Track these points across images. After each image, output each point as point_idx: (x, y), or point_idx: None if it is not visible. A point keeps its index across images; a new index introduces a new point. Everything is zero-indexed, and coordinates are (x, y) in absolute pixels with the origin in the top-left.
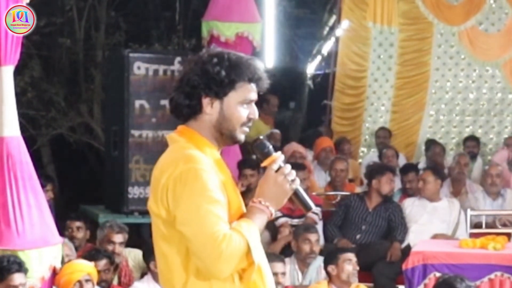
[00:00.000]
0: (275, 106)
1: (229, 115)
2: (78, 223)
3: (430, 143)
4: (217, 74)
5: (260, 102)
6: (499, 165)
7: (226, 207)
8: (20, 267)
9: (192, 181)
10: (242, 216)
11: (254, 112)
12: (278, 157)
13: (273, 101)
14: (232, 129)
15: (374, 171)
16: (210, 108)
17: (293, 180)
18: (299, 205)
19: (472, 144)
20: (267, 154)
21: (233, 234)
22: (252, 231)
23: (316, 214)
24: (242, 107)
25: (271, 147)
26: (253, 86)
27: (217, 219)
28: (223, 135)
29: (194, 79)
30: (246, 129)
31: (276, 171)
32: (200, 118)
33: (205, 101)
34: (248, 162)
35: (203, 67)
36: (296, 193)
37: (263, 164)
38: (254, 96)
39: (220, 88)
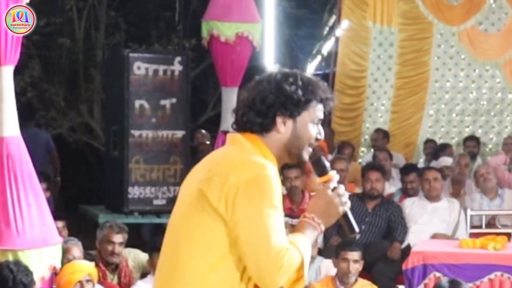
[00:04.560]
0: None
1: (301, 134)
2: (60, 223)
3: (432, 144)
4: (295, 93)
5: None
6: (487, 164)
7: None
8: (26, 286)
9: (266, 188)
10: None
11: (321, 131)
12: (334, 176)
13: None
14: (301, 148)
15: (361, 173)
16: (284, 128)
17: (345, 202)
18: (345, 227)
19: (472, 144)
20: (324, 172)
21: (292, 249)
22: (307, 247)
23: None
24: (312, 126)
25: (328, 164)
26: (321, 106)
27: (280, 231)
28: (291, 154)
29: (269, 98)
30: (310, 149)
31: (332, 190)
32: (270, 136)
33: (279, 120)
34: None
35: (279, 86)
36: (344, 215)
37: (319, 181)
38: (321, 115)
39: (296, 107)
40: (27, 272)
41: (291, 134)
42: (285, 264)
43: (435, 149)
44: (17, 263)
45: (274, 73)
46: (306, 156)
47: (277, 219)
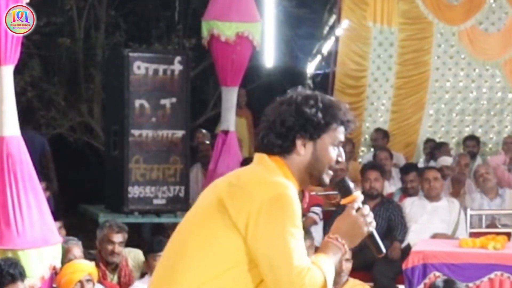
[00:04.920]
0: (243, 97)
1: (321, 157)
2: (57, 224)
3: (431, 143)
4: (314, 116)
5: None
6: (486, 163)
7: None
8: (14, 278)
9: (288, 207)
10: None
11: (342, 154)
12: (358, 197)
13: (241, 93)
14: (322, 170)
15: (360, 173)
16: (304, 150)
17: (370, 222)
18: (371, 247)
19: (472, 144)
20: (348, 192)
21: (315, 269)
22: (330, 267)
23: (317, 214)
24: (333, 149)
25: (352, 185)
26: (342, 128)
27: (302, 251)
28: (312, 177)
29: (289, 120)
30: (331, 172)
31: (356, 211)
32: (291, 158)
33: (299, 143)
34: None
35: (299, 108)
36: (370, 236)
37: (343, 202)
38: (343, 137)
39: (316, 130)
40: (15, 265)
41: (311, 156)
42: (307, 283)
43: (432, 148)
44: (7, 258)
45: (295, 95)
46: (326, 179)
47: (298, 239)
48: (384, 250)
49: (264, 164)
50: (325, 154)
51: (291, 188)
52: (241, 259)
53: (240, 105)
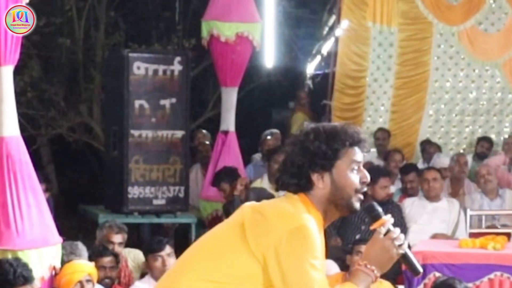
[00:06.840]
0: (304, 98)
1: (342, 185)
2: None
3: (426, 144)
4: (319, 148)
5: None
6: (487, 165)
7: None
8: (26, 280)
9: (308, 238)
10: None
11: (365, 175)
12: (386, 221)
13: (302, 95)
14: (347, 197)
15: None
16: (322, 183)
17: (400, 245)
18: (408, 268)
19: (486, 145)
20: (376, 217)
21: None
22: None
23: None
24: (352, 173)
25: (380, 210)
26: (356, 149)
27: (324, 282)
28: (338, 206)
29: (297, 159)
30: (361, 196)
31: (384, 234)
32: (313, 193)
33: (315, 177)
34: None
35: (303, 146)
36: (404, 257)
37: (372, 227)
38: (360, 157)
39: (325, 161)
40: (26, 267)
41: (331, 186)
42: None
43: (423, 149)
44: (16, 258)
45: (299, 132)
46: (356, 204)
47: (320, 270)
48: (421, 269)
49: (289, 198)
50: (345, 180)
51: (311, 221)
52: (252, 282)
53: (302, 104)
